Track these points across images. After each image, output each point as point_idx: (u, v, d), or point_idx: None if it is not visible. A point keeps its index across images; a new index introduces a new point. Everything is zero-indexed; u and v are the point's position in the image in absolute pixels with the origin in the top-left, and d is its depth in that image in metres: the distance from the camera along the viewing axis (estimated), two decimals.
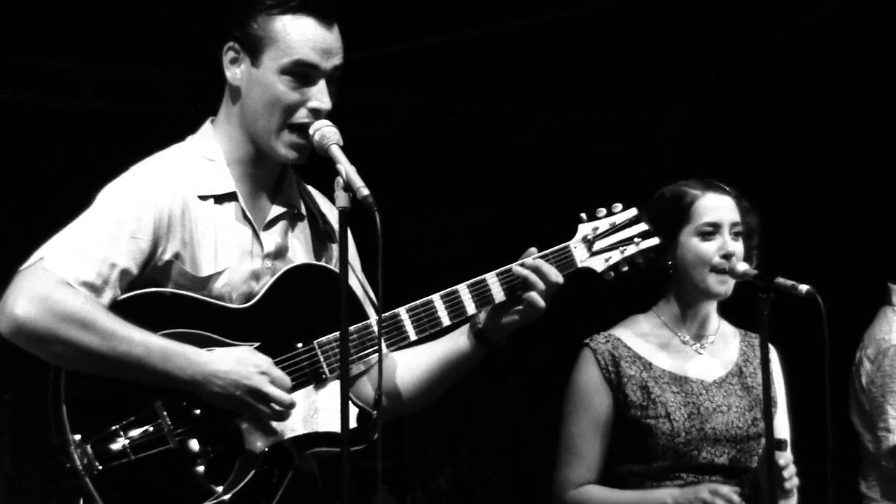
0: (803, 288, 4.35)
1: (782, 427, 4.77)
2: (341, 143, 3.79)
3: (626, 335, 4.74)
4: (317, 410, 3.90)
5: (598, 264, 4.23)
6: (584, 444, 4.68)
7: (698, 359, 4.75)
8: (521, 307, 4.07)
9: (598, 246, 4.24)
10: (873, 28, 7.19)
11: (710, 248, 4.64)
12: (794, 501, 4.59)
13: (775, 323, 4.37)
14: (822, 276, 4.45)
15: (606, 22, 7.46)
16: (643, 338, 4.75)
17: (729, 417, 4.65)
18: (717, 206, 4.69)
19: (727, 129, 8.07)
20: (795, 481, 4.49)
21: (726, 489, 4.49)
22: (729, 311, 4.83)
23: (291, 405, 3.81)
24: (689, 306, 4.74)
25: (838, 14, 7.28)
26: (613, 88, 8.08)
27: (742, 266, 4.58)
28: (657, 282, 4.75)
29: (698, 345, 4.76)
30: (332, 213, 4.09)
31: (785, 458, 4.48)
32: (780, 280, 4.38)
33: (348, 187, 3.64)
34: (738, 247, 4.66)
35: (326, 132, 3.82)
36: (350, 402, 3.69)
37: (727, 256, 4.62)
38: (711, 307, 4.77)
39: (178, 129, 4.11)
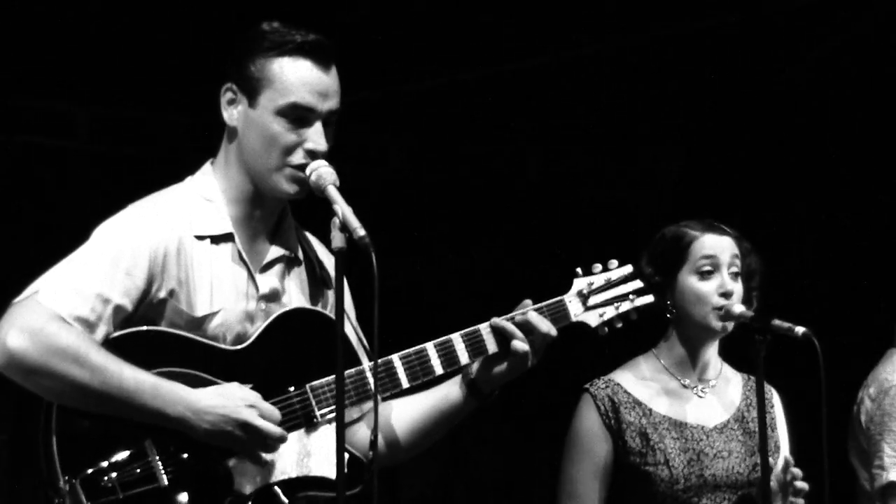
0: (800, 330, 4.35)
1: (787, 456, 4.75)
2: (338, 184, 3.80)
3: (626, 380, 4.73)
4: (308, 454, 3.89)
5: (593, 319, 4.24)
6: (585, 489, 4.66)
7: (699, 403, 4.73)
8: (513, 358, 4.06)
9: (592, 301, 4.24)
10: (871, 69, 7.22)
11: (708, 288, 4.64)
12: None
13: (778, 365, 4.37)
14: (829, 319, 4.45)
15: (604, 64, 7.48)
16: (643, 382, 4.74)
17: (730, 463, 4.63)
18: (715, 246, 4.69)
19: (725, 171, 8.08)
20: (804, 485, 4.46)
21: None
22: (730, 353, 4.82)
23: (282, 438, 3.79)
24: (691, 347, 4.73)
25: (837, 54, 7.30)
26: (611, 130, 8.10)
27: (738, 308, 4.58)
28: (657, 323, 4.75)
29: (699, 388, 4.74)
30: (328, 260, 4.10)
31: (793, 471, 4.46)
32: (777, 322, 4.39)
33: (345, 228, 3.64)
34: (736, 287, 4.66)
35: (323, 173, 3.82)
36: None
37: (726, 295, 4.62)
38: (712, 349, 4.76)
39: (176, 171, 4.11)
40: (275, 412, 3.80)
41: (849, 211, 7.58)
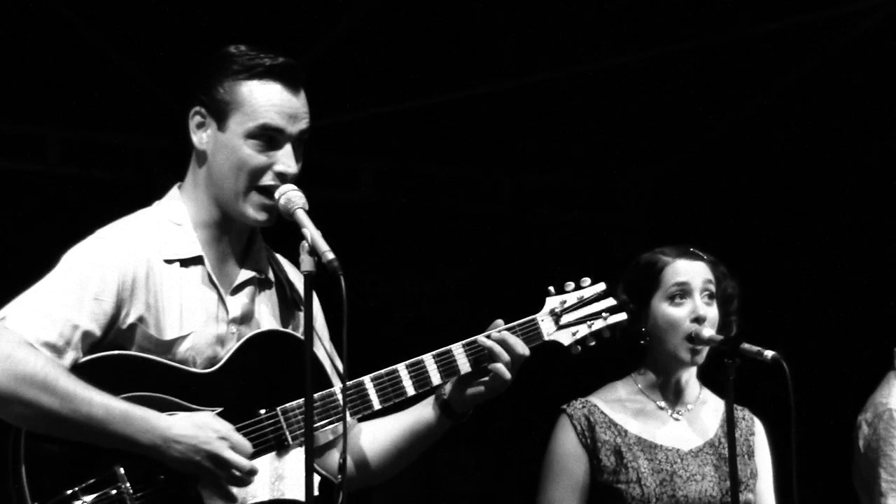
0: (769, 353, 4.36)
1: (766, 499, 4.75)
2: (307, 208, 3.79)
3: (603, 402, 4.73)
4: (279, 477, 3.87)
5: (566, 338, 4.22)
6: None
7: (675, 425, 4.72)
8: (486, 379, 4.05)
9: (565, 319, 4.22)
10: (847, 90, 7.25)
11: (680, 314, 4.64)
12: None
13: (768, 392, 4.36)
14: (826, 344, 4.44)
15: (576, 87, 7.50)
16: (619, 404, 4.73)
17: (703, 486, 4.63)
18: (687, 271, 4.68)
19: (699, 193, 8.10)
20: None
21: None
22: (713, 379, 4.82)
23: (252, 472, 3.77)
24: (666, 374, 4.72)
25: (811, 77, 7.33)
26: (584, 153, 8.11)
27: (708, 332, 4.58)
28: (632, 349, 4.74)
29: (675, 411, 4.74)
30: (299, 282, 4.07)
31: None
32: (746, 346, 4.39)
33: (314, 251, 3.63)
34: (710, 311, 4.65)
35: (292, 196, 3.81)
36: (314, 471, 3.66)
37: (698, 320, 4.61)
38: (689, 374, 4.75)
39: (145, 195, 4.09)
40: (246, 445, 3.78)
41: (838, 232, 7.62)
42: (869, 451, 5.27)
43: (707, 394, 4.81)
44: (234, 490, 3.79)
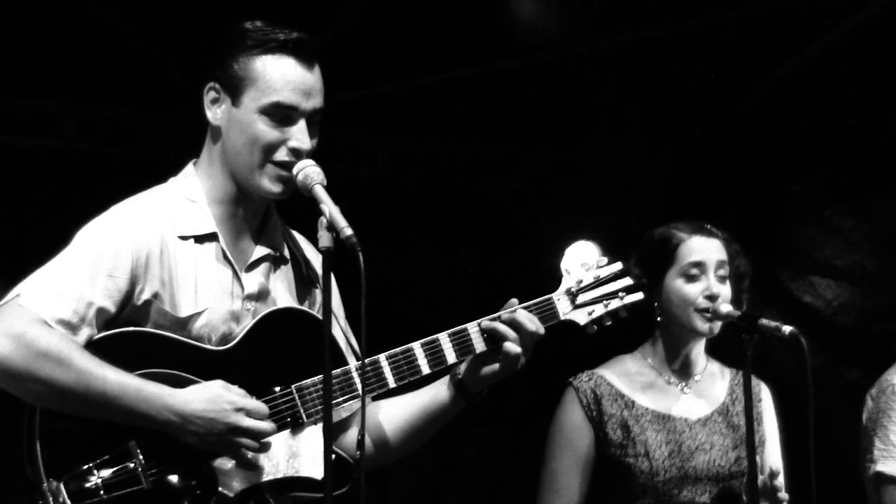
0: (787, 329, 4.36)
1: (773, 461, 4.75)
2: (325, 184, 3.77)
3: (610, 374, 4.75)
4: (294, 455, 3.87)
5: (581, 317, 4.21)
6: (566, 481, 4.68)
7: (683, 398, 4.74)
8: (501, 358, 4.04)
9: (581, 299, 4.21)
10: (863, 69, 7.22)
11: (694, 290, 4.64)
12: None
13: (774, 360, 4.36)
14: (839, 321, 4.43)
15: (593, 64, 7.47)
16: (627, 377, 4.75)
17: (711, 456, 4.64)
18: (702, 248, 4.69)
19: (716, 170, 8.08)
20: (785, 495, 4.47)
21: None
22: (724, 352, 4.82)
23: (272, 431, 3.78)
24: (675, 347, 4.74)
25: (831, 52, 7.30)
26: (600, 129, 8.09)
27: (726, 307, 4.58)
28: (644, 323, 4.74)
29: (683, 384, 4.75)
30: (316, 259, 4.08)
31: (775, 484, 4.47)
32: (764, 321, 4.39)
33: (332, 227, 3.62)
34: (723, 289, 4.66)
35: (310, 172, 3.80)
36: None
37: (711, 298, 4.62)
38: (698, 348, 4.76)
39: (162, 171, 4.09)
40: (262, 407, 3.79)
41: (855, 207, 7.60)
42: (869, 422, 5.30)
43: (714, 365, 4.83)
44: (248, 467, 3.80)
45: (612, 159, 8.45)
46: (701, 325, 4.63)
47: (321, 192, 3.74)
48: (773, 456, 4.77)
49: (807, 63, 7.40)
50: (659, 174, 8.54)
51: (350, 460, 3.90)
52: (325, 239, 3.62)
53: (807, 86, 7.47)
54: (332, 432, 3.69)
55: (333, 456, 3.78)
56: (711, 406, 4.74)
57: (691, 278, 4.65)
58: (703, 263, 4.66)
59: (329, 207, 3.67)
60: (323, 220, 3.64)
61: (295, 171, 3.83)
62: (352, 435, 4.07)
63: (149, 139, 7.45)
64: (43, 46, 6.87)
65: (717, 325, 4.64)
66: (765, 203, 7.80)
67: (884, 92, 7.24)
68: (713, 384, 4.79)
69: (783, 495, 4.46)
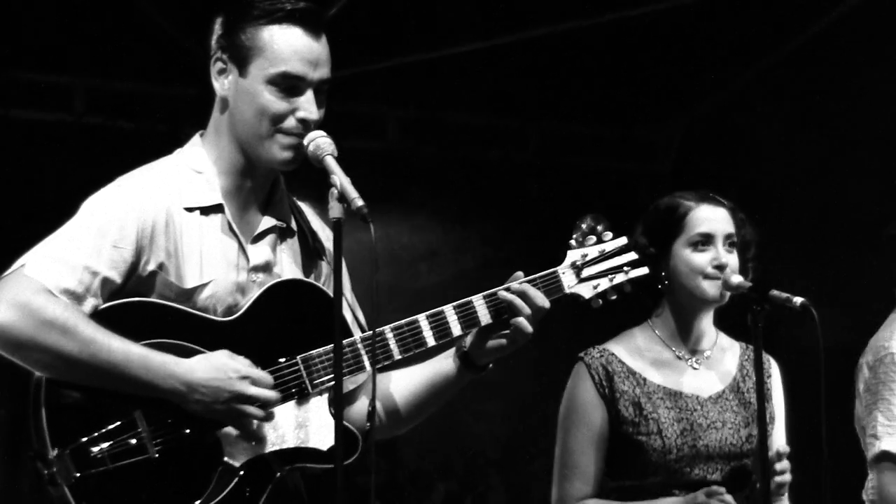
0: (798, 300, 4.34)
1: (779, 441, 4.75)
2: (336, 154, 3.76)
3: (621, 350, 4.72)
4: (300, 426, 3.87)
5: (587, 291, 4.19)
6: (582, 458, 4.65)
7: (694, 374, 4.71)
8: (507, 331, 4.03)
9: (586, 273, 4.19)
10: (870, 41, 7.20)
11: (702, 260, 4.62)
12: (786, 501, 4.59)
13: (778, 333, 4.35)
14: (832, 286, 4.42)
15: (604, 36, 7.46)
16: (637, 353, 4.72)
17: (723, 434, 4.62)
18: (710, 218, 4.67)
19: (725, 141, 8.07)
20: (788, 477, 4.47)
21: (723, 491, 4.47)
22: (730, 323, 4.81)
23: (277, 399, 3.79)
24: (684, 318, 4.71)
25: (839, 26, 7.28)
26: (611, 101, 8.09)
27: (736, 278, 4.56)
28: (652, 294, 4.73)
29: (693, 359, 4.73)
30: (323, 231, 4.08)
31: (783, 463, 4.46)
32: (775, 292, 4.37)
33: (343, 198, 3.61)
34: (731, 258, 4.64)
35: (321, 143, 3.79)
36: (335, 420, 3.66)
37: (720, 267, 4.60)
38: (707, 319, 4.74)
39: (172, 144, 4.09)
40: (267, 377, 3.80)
41: (849, 182, 7.58)
42: (868, 394, 5.25)
43: (723, 338, 4.80)
44: (254, 437, 3.81)
45: (623, 131, 8.45)
46: (711, 291, 4.61)
47: (332, 163, 3.73)
48: (778, 433, 4.76)
49: (822, 32, 7.39)
50: (670, 146, 8.54)
51: (356, 432, 3.90)
52: (335, 210, 3.61)
53: (821, 55, 7.46)
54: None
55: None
56: (722, 382, 4.72)
57: (699, 247, 4.64)
58: (712, 233, 4.64)
59: (340, 178, 3.66)
60: (334, 191, 3.63)
61: (306, 141, 3.82)
62: (358, 406, 4.08)
63: (160, 112, 7.47)
64: (54, 20, 6.88)
65: (727, 292, 4.62)
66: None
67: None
68: (723, 359, 4.77)
69: (787, 477, 4.46)
